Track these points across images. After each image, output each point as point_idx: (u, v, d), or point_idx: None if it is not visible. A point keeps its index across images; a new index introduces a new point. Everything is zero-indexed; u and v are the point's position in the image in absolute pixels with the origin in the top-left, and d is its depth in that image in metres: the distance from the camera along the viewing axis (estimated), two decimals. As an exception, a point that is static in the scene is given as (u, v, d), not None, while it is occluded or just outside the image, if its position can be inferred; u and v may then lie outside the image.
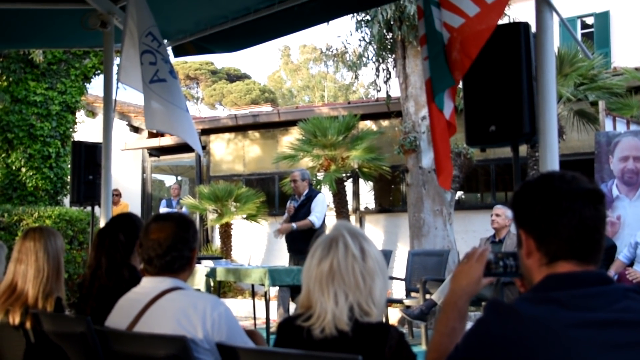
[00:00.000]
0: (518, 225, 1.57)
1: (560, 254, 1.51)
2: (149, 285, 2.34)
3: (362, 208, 11.76)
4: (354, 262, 1.92)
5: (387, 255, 7.84)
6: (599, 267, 1.53)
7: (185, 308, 2.19)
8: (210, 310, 2.16)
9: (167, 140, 13.09)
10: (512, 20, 7.45)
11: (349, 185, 11.24)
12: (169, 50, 5.23)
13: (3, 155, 11.02)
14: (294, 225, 7.14)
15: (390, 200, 12.28)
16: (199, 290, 6.23)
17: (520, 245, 1.58)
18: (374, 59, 9.84)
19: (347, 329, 1.85)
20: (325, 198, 7.48)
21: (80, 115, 12.27)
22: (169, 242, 2.33)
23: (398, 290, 8.94)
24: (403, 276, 7.63)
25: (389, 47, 9.51)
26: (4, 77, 10.91)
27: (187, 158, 13.73)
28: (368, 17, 9.36)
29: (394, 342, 1.85)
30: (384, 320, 1.98)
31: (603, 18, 15.75)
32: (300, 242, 6.86)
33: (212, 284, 7.12)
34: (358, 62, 10.11)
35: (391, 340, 1.85)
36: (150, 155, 14.11)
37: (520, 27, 3.23)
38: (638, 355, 1.39)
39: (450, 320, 1.68)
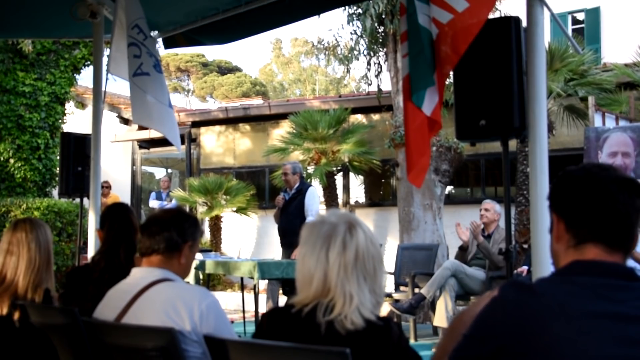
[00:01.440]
0: (551, 210, 1.57)
1: (589, 236, 1.49)
2: (138, 275, 2.35)
3: (352, 202, 11.77)
4: (373, 249, 1.89)
5: (377, 248, 7.85)
6: (627, 258, 1.51)
7: (173, 299, 2.18)
8: (198, 302, 2.16)
9: (157, 133, 12.99)
10: (502, 15, 7.46)
11: (339, 179, 11.24)
12: (160, 41, 5.21)
13: (-9, 146, 10.95)
14: None
15: (380, 194, 12.30)
16: (188, 282, 6.22)
17: (551, 231, 1.58)
18: (365, 52, 9.83)
19: (372, 318, 1.79)
20: (316, 191, 7.45)
21: (70, 106, 12.19)
22: (164, 221, 2.40)
23: (387, 284, 8.97)
24: (392, 270, 7.65)
25: (380, 40, 9.51)
26: (-8, 67, 10.83)
27: (177, 150, 13.66)
28: (360, 11, 9.34)
29: (397, 337, 1.80)
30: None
31: (594, 14, 15.82)
32: (293, 235, 6.81)
33: (201, 276, 7.11)
34: (349, 55, 10.10)
35: (394, 336, 1.80)
36: (140, 147, 14.05)
37: (511, 22, 3.22)
38: None
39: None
